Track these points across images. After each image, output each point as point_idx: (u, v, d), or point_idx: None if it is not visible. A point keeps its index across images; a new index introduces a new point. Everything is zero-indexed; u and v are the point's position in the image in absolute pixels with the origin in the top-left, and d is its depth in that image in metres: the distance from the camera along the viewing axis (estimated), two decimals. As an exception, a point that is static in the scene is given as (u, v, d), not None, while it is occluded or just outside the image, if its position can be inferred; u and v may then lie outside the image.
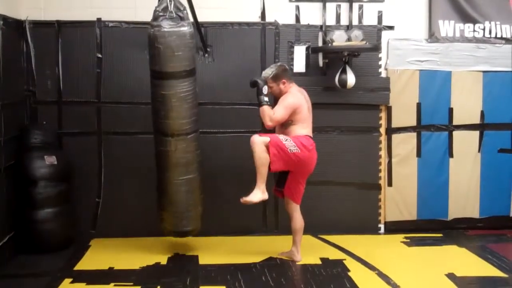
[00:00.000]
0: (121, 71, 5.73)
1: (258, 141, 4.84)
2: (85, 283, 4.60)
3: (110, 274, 4.82)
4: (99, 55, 5.76)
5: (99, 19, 5.72)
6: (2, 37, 5.02)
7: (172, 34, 4.61)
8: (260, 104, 4.98)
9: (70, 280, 4.67)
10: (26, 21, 5.61)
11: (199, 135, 5.12)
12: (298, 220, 5.15)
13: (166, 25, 4.58)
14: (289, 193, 5.13)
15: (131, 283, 4.59)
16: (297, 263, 5.13)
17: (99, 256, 5.32)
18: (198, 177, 5.12)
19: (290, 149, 4.86)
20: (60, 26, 5.70)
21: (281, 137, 4.93)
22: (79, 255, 5.32)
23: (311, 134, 5.12)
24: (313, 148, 5.06)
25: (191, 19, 5.04)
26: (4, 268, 4.93)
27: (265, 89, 4.99)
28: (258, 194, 4.93)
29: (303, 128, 5.03)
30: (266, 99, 4.97)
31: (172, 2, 4.59)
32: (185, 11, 4.70)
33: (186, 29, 4.67)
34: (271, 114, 4.93)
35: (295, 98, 5.02)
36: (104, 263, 5.08)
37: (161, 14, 4.59)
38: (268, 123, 4.96)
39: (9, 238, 5.15)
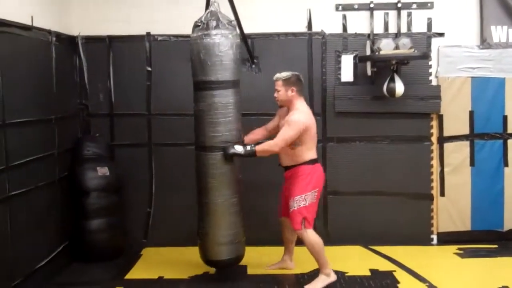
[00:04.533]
0: (170, 83, 5.83)
1: (301, 233, 4.73)
2: (135, 292, 4.71)
3: (159, 283, 4.91)
4: (149, 68, 5.88)
5: (148, 33, 5.86)
6: (55, 52, 5.21)
7: (231, 42, 4.59)
8: (250, 155, 4.66)
9: (121, 288, 4.79)
10: (79, 36, 5.80)
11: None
12: None
13: (225, 33, 4.56)
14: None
15: (179, 293, 4.67)
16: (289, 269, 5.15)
17: (150, 265, 5.42)
18: (241, 201, 4.85)
19: (313, 198, 4.75)
20: (111, 41, 5.86)
21: (300, 201, 4.70)
22: (130, 264, 5.43)
23: (315, 154, 4.83)
24: (319, 167, 4.86)
25: (238, 30, 5.09)
26: (59, 276, 5.08)
27: (237, 148, 4.64)
28: (321, 280, 4.76)
29: (309, 149, 4.75)
30: (247, 148, 4.66)
31: (220, 14, 4.62)
32: (233, 22, 4.73)
33: (238, 38, 4.69)
34: (270, 144, 4.66)
35: (304, 116, 4.71)
36: (154, 272, 5.16)
37: (214, 24, 4.60)
38: (275, 149, 4.65)
39: (63, 247, 5.31)
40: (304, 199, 4.68)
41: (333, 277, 4.78)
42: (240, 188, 4.83)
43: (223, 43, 4.55)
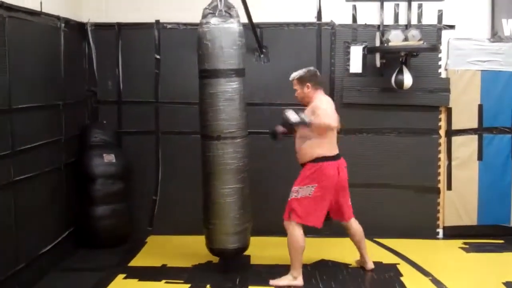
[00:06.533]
0: (179, 71, 5.83)
1: (287, 225, 4.64)
2: (137, 279, 4.73)
3: (162, 271, 4.93)
4: (157, 56, 5.88)
5: (157, 21, 5.85)
6: (64, 39, 5.23)
7: (221, 30, 4.55)
8: (307, 125, 4.48)
9: (124, 276, 4.81)
10: (88, 23, 5.81)
11: (247, 142, 4.83)
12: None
13: (215, 22, 4.56)
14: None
15: (182, 281, 4.68)
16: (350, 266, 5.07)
17: (154, 253, 5.44)
18: (247, 189, 4.81)
19: (309, 193, 4.56)
20: (120, 28, 5.87)
21: (293, 192, 4.62)
22: (134, 252, 5.46)
23: (333, 152, 4.65)
24: (326, 166, 4.59)
25: (246, 20, 5.06)
26: (64, 261, 5.12)
27: (289, 115, 4.51)
28: (287, 280, 4.64)
29: (322, 145, 4.58)
30: (302, 116, 4.47)
31: (222, 1, 4.60)
32: (234, 9, 4.69)
33: (234, 26, 4.59)
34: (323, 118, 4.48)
35: (326, 105, 4.60)
36: (158, 260, 5.19)
37: (210, 12, 4.62)
38: (330, 122, 4.46)
39: (69, 232, 5.35)
40: (296, 191, 4.61)
41: (299, 282, 4.61)
42: (241, 179, 4.73)
43: (211, 31, 4.54)
